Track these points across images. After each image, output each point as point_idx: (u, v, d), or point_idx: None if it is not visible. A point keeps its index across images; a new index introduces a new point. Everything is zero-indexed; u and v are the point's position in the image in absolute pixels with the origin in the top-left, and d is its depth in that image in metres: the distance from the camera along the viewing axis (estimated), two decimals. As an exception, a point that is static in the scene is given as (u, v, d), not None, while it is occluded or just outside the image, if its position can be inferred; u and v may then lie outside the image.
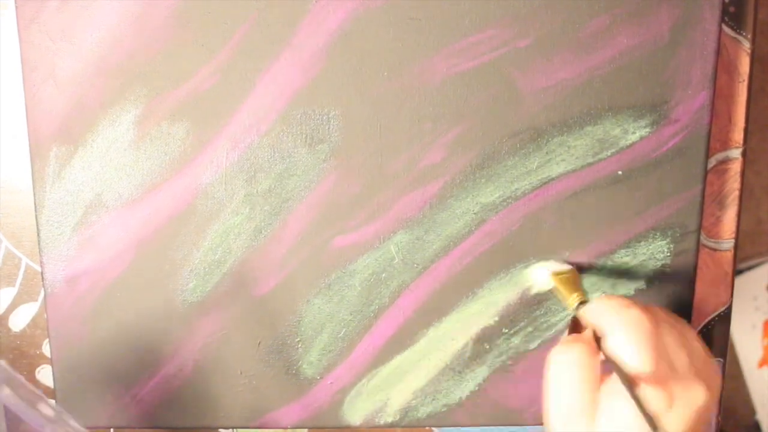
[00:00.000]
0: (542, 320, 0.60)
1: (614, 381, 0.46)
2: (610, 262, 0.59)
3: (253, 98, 0.57)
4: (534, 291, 0.59)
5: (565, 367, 0.47)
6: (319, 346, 0.60)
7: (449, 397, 0.61)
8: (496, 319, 0.60)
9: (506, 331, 0.60)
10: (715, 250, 0.63)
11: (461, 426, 0.62)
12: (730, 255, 0.63)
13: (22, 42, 0.56)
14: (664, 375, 0.45)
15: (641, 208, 0.58)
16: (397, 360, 0.60)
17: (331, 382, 0.61)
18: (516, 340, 0.60)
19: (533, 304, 0.60)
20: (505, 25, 0.56)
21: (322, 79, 0.57)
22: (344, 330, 0.60)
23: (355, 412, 0.61)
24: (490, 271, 0.59)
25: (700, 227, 0.59)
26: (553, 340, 0.60)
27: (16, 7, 0.56)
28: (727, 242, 0.63)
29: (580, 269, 0.59)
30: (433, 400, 0.61)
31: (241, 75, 0.57)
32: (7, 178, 0.61)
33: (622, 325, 0.46)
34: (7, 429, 0.53)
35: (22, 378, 0.53)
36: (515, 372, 0.61)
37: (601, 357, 0.47)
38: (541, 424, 0.61)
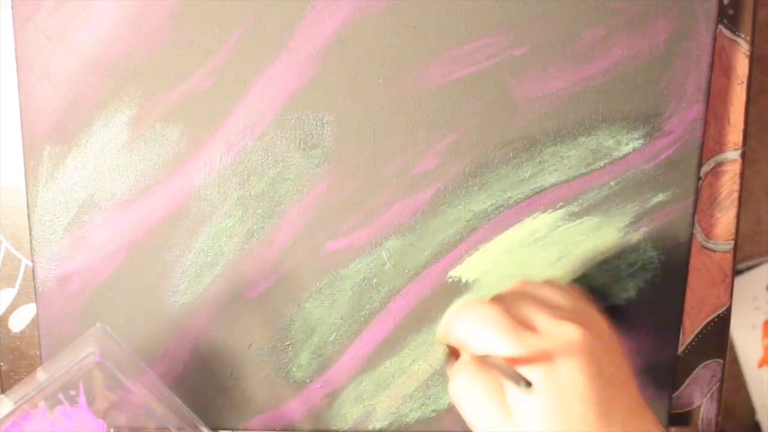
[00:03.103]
0: (532, 328, 0.60)
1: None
2: (601, 272, 0.59)
3: (247, 101, 0.57)
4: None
5: (467, 394, 0.47)
6: (309, 349, 0.60)
7: (438, 402, 0.61)
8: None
9: (496, 338, 0.60)
10: (714, 251, 0.63)
11: None
12: (729, 256, 0.63)
13: (18, 41, 0.56)
14: (531, 343, 0.45)
15: (633, 219, 0.58)
16: (387, 365, 0.60)
17: (320, 386, 0.61)
18: (506, 348, 0.60)
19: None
20: (501, 34, 0.56)
21: (318, 84, 0.57)
22: (335, 334, 0.60)
23: (344, 417, 0.61)
24: (481, 279, 0.59)
25: (691, 239, 0.59)
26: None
27: (12, 6, 0.56)
28: (727, 244, 0.63)
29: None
30: (422, 405, 0.61)
31: (236, 78, 0.57)
32: (6, 178, 0.61)
33: (469, 325, 0.47)
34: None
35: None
36: (505, 379, 0.61)
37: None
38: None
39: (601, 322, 0.49)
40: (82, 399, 0.57)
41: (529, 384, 0.43)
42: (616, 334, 0.49)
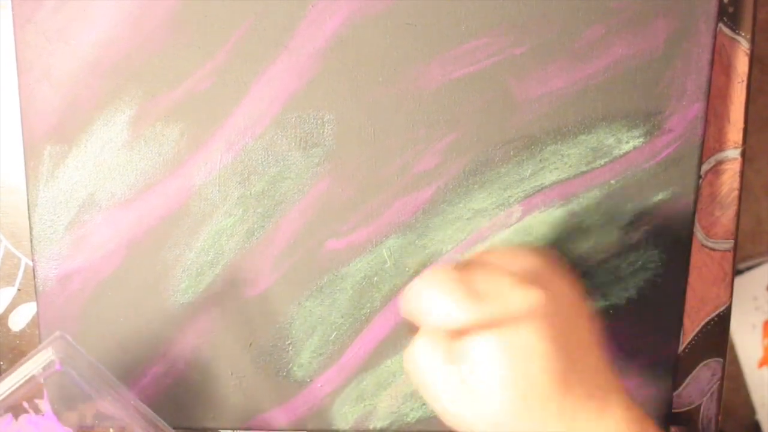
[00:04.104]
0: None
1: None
2: (601, 271, 0.59)
3: (248, 101, 0.57)
4: None
5: (424, 362, 0.47)
6: (309, 348, 0.60)
7: (439, 402, 0.61)
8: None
9: (497, 337, 0.60)
10: (714, 250, 0.63)
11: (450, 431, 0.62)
12: (729, 255, 0.63)
13: (18, 42, 0.56)
14: (486, 309, 0.45)
15: (633, 217, 0.58)
16: (388, 364, 0.60)
17: (321, 385, 0.61)
18: (506, 346, 0.60)
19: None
20: (501, 33, 0.56)
21: (318, 83, 0.57)
22: (335, 333, 0.60)
23: (344, 416, 0.61)
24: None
25: (692, 237, 0.59)
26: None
27: (13, 7, 0.56)
28: (727, 242, 0.63)
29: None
30: (423, 405, 0.61)
31: (236, 77, 0.57)
32: (6, 177, 0.61)
33: (422, 295, 0.46)
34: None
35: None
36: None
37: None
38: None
39: (564, 285, 0.48)
40: (47, 407, 0.57)
41: None
42: (582, 298, 0.49)
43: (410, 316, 0.49)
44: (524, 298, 0.45)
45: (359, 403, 0.61)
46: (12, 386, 0.54)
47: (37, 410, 0.57)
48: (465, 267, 0.48)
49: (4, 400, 0.54)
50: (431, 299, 0.46)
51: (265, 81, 0.57)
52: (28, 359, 0.54)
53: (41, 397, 0.57)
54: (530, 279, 0.46)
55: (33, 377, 0.54)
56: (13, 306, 0.63)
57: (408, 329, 0.51)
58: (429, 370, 0.47)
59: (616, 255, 0.59)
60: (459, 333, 0.45)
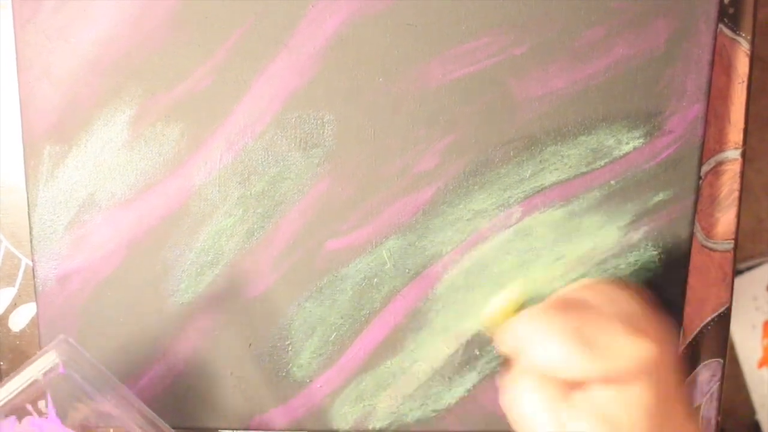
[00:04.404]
0: (533, 327, 0.60)
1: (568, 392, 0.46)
2: (601, 272, 0.59)
3: (248, 100, 0.57)
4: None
5: (525, 405, 0.46)
6: (309, 349, 0.60)
7: (438, 402, 0.61)
8: (487, 325, 0.60)
9: (497, 337, 0.60)
10: (714, 251, 0.63)
11: None
12: (729, 256, 0.63)
13: (18, 40, 0.56)
14: (602, 365, 0.45)
15: (633, 218, 0.58)
16: (388, 365, 0.60)
17: (320, 386, 0.61)
18: (506, 347, 0.60)
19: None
20: (501, 33, 0.56)
21: (318, 83, 0.57)
22: (335, 334, 0.60)
23: (344, 416, 0.61)
24: (481, 278, 0.59)
25: (692, 238, 0.59)
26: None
27: (13, 6, 0.56)
28: (727, 243, 0.63)
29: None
30: (422, 405, 0.61)
31: (236, 77, 0.57)
32: (6, 177, 0.61)
33: (543, 338, 0.46)
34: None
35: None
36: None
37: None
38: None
39: (663, 330, 0.48)
40: (50, 410, 0.57)
41: None
42: (673, 339, 0.48)
43: (510, 352, 0.49)
44: (640, 349, 0.45)
45: (358, 403, 0.61)
46: (15, 389, 0.54)
47: (40, 413, 0.57)
48: (566, 306, 0.48)
49: (7, 402, 0.54)
50: (545, 345, 0.46)
51: (265, 80, 0.57)
52: (32, 362, 0.54)
53: (44, 399, 0.57)
54: (636, 326, 0.46)
55: (36, 380, 0.55)
56: (14, 306, 0.63)
57: (504, 363, 0.50)
58: (534, 417, 0.46)
59: (616, 255, 0.59)
60: (571, 383, 0.45)
